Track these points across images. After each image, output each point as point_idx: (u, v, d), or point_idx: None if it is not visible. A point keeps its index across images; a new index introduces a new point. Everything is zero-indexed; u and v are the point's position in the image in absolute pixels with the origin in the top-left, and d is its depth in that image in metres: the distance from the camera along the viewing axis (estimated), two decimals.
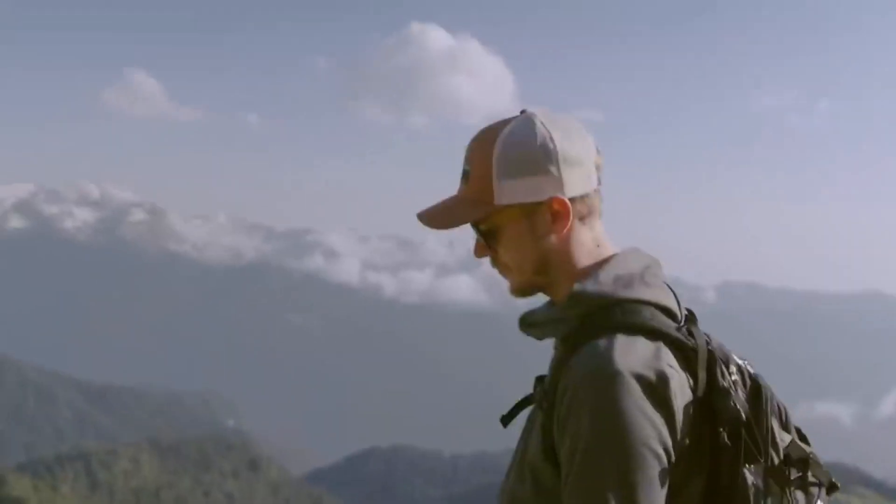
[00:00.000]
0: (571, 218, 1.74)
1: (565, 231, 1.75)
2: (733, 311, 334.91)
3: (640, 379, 1.57)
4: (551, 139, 1.73)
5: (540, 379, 1.76)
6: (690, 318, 1.79)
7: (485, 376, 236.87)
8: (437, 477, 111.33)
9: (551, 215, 1.74)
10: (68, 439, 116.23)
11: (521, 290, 1.84)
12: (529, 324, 1.80)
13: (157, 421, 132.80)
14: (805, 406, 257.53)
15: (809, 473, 1.71)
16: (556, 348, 1.75)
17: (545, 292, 1.84)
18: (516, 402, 1.83)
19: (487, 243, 1.82)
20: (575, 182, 1.75)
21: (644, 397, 1.57)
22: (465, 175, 1.80)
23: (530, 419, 1.76)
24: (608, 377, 1.56)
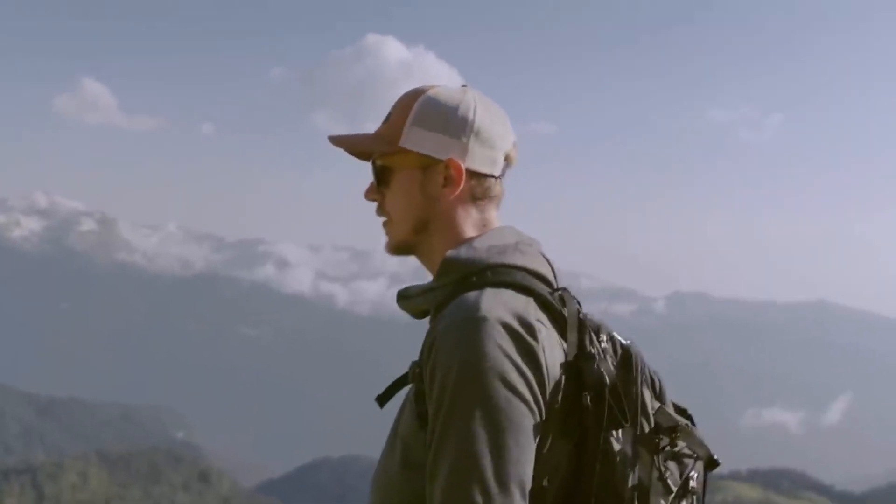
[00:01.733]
0: (462, 187, 1.76)
1: (452, 198, 1.77)
2: (683, 321, 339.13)
3: (506, 326, 1.56)
4: (473, 111, 1.77)
5: (415, 362, 1.74)
6: (566, 291, 1.76)
7: None
8: None
9: (445, 177, 1.77)
10: (15, 452, 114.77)
11: (397, 246, 1.87)
12: (404, 297, 1.82)
13: (106, 434, 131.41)
14: (753, 413, 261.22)
15: (683, 443, 1.69)
16: (430, 321, 1.74)
17: (419, 256, 1.86)
18: (393, 380, 1.82)
19: (378, 184, 1.84)
20: (479, 157, 1.77)
21: (511, 343, 1.55)
22: (387, 116, 1.85)
23: (404, 400, 1.76)
24: (472, 322, 1.56)
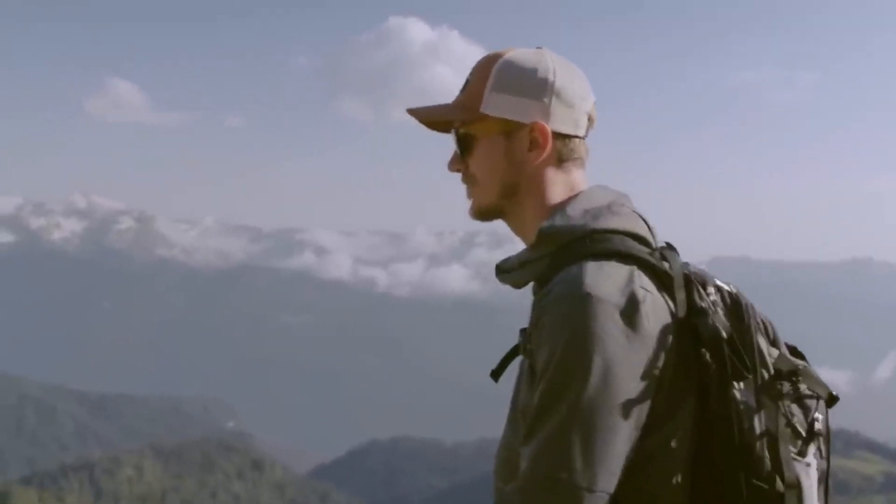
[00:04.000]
0: (548, 150, 1.75)
1: (539, 161, 1.76)
2: None
3: (609, 301, 1.55)
4: (553, 73, 1.76)
5: (524, 330, 1.73)
6: (668, 246, 1.77)
7: (480, 364, 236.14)
8: (440, 466, 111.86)
9: (530, 141, 1.76)
10: (71, 450, 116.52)
11: (482, 211, 1.84)
12: (504, 270, 1.79)
13: (157, 427, 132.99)
14: None
15: (803, 386, 1.67)
16: (533, 293, 1.73)
17: (507, 220, 1.84)
18: (504, 355, 1.82)
19: (462, 152, 1.83)
20: (562, 118, 1.76)
21: (614, 319, 1.54)
22: (465, 84, 1.83)
23: (520, 368, 1.75)
24: (577, 299, 1.55)
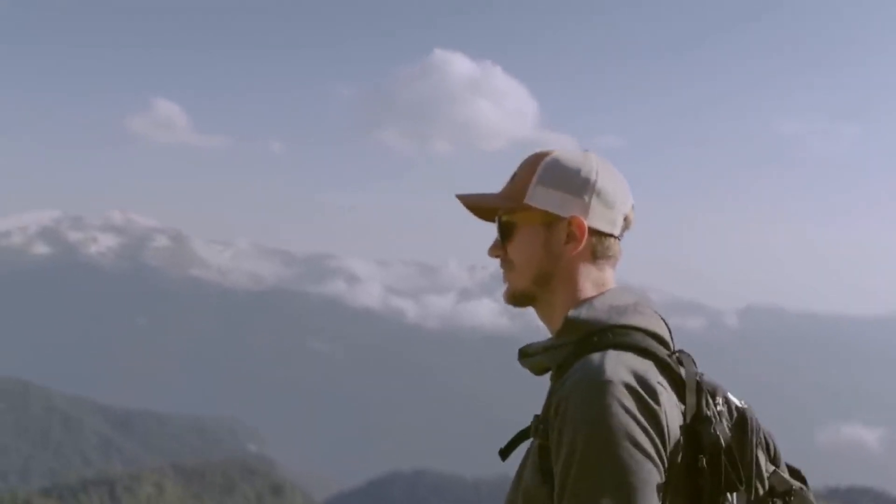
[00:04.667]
0: (584, 244, 1.85)
1: (574, 254, 1.86)
2: (756, 335, 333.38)
3: (630, 388, 1.62)
4: (596, 173, 1.86)
5: (537, 416, 1.80)
6: (683, 353, 1.82)
7: (506, 400, 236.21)
8: (460, 501, 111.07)
9: (567, 234, 1.86)
10: (93, 464, 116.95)
11: (515, 296, 1.93)
12: (526, 354, 1.86)
13: (181, 446, 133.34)
14: (831, 429, 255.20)
15: None
16: (551, 380, 1.79)
17: (537, 308, 1.92)
18: (514, 435, 1.88)
19: (502, 239, 1.93)
20: (600, 216, 1.86)
21: (635, 405, 1.61)
22: (512, 177, 1.94)
23: (527, 451, 1.81)
24: (599, 385, 1.61)
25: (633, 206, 1.92)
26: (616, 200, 1.87)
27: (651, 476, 1.58)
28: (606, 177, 1.87)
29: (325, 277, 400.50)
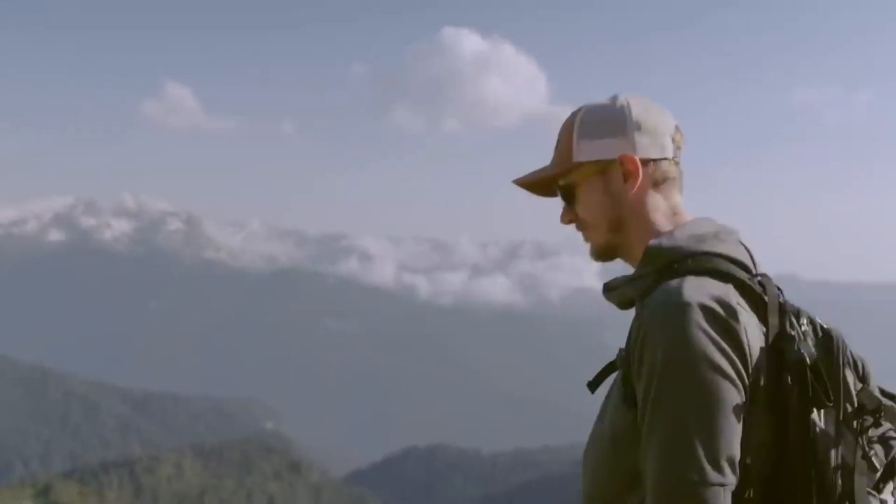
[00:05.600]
0: (641, 177, 1.86)
1: (636, 190, 1.87)
2: None
3: (708, 309, 1.63)
4: (628, 107, 1.88)
5: (622, 348, 1.80)
6: (766, 276, 1.84)
7: (520, 374, 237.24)
8: (476, 475, 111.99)
9: (623, 173, 1.87)
10: (113, 446, 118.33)
11: (600, 251, 1.96)
12: (610, 288, 1.87)
13: (198, 427, 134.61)
14: None
15: (888, 425, 1.72)
16: (636, 310, 1.79)
17: (621, 255, 1.95)
18: (602, 367, 1.87)
19: (567, 203, 1.95)
20: (646, 145, 1.87)
21: (713, 325, 1.62)
22: (556, 145, 1.97)
23: (613, 383, 1.83)
24: (676, 307, 1.63)
25: (677, 127, 1.94)
26: (658, 126, 1.89)
27: (730, 395, 1.59)
28: (640, 108, 1.89)
29: (338, 257, 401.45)
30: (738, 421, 1.59)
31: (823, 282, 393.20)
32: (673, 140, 1.91)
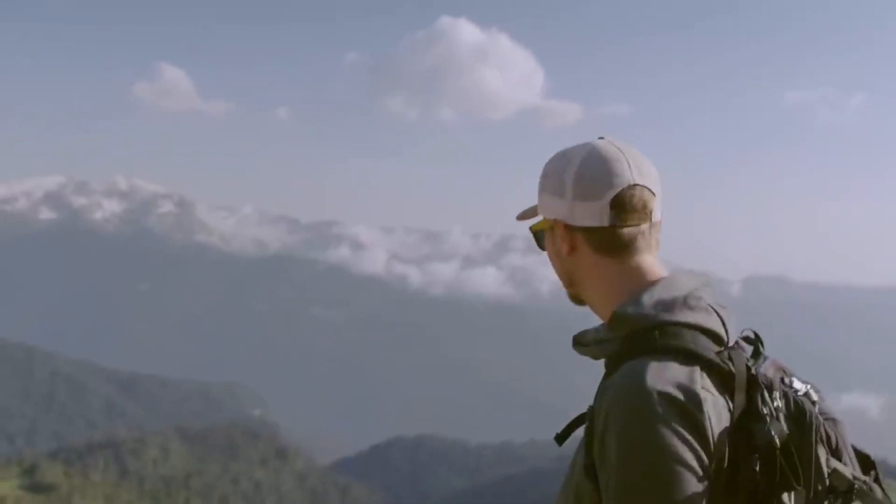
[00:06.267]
0: (579, 243, 1.83)
1: (575, 255, 1.85)
2: (758, 304, 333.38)
3: (671, 400, 1.60)
4: (576, 167, 1.82)
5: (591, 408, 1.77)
6: (757, 338, 1.81)
7: (509, 368, 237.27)
8: (462, 466, 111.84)
9: (559, 237, 1.86)
10: (98, 427, 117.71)
11: (570, 298, 1.95)
12: (580, 343, 1.84)
13: (185, 410, 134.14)
14: (832, 398, 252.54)
15: None
16: (605, 367, 1.77)
17: (591, 308, 1.91)
18: (571, 420, 1.85)
19: (538, 246, 1.96)
20: (582, 212, 1.80)
21: (675, 417, 1.59)
22: None
23: (581, 441, 1.79)
24: (638, 397, 1.60)
25: (632, 185, 1.80)
26: (597, 190, 1.79)
27: (692, 487, 1.57)
28: (589, 167, 1.80)
29: (329, 244, 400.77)
30: None
31: (813, 284, 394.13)
32: (617, 203, 1.79)
